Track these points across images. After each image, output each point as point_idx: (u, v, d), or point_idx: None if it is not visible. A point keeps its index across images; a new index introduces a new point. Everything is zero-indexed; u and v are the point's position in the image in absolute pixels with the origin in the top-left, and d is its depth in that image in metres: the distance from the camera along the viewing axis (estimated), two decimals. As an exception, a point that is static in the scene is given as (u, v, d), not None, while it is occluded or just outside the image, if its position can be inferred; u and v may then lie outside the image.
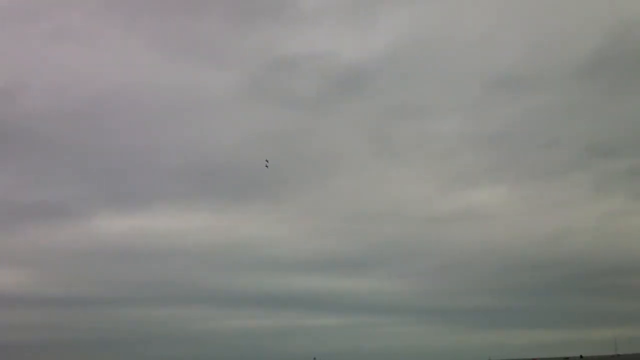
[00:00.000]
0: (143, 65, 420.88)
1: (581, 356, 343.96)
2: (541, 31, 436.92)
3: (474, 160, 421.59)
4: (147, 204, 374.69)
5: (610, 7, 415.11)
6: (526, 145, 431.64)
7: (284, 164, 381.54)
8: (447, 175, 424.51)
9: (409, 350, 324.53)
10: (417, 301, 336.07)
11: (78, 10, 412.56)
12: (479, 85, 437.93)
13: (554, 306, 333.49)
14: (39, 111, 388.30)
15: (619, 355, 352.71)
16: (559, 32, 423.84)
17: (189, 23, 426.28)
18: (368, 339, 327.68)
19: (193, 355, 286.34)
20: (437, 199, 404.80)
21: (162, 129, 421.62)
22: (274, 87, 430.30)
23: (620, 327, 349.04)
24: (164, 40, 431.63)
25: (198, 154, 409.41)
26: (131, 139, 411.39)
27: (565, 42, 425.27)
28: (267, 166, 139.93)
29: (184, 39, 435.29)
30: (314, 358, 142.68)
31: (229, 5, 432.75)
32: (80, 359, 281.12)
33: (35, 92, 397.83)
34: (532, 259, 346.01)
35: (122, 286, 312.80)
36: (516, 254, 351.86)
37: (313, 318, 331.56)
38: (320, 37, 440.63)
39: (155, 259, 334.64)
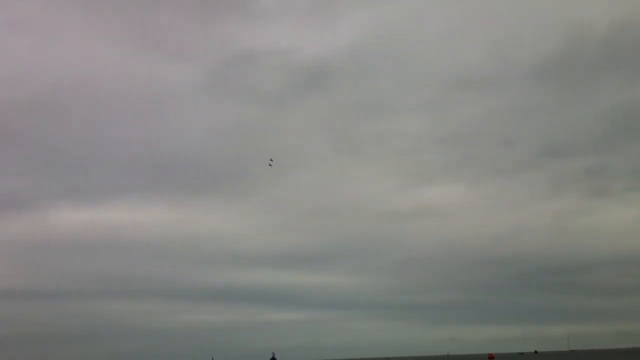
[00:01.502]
0: (102, 58, 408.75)
1: (536, 351, 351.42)
2: (500, 33, 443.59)
3: (433, 157, 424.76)
4: (104, 197, 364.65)
5: (567, 10, 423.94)
6: (484, 144, 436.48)
7: (244, 159, 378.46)
8: (406, 172, 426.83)
9: (367, 345, 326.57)
10: (376, 297, 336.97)
11: (37, 2, 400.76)
12: (439, 84, 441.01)
13: (509, 302, 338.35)
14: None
15: (572, 350, 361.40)
16: (517, 34, 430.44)
17: (150, 16, 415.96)
18: (327, 334, 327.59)
19: (151, 350, 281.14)
20: (396, 195, 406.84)
21: (121, 121, 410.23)
22: (235, 81, 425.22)
23: (573, 323, 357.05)
24: (124, 33, 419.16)
25: (157, 147, 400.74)
26: (89, 131, 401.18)
27: (523, 44, 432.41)
28: (270, 165, 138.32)
29: (145, 31, 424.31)
30: (273, 353, 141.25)
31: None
32: (33, 354, 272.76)
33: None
34: (488, 256, 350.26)
35: (78, 279, 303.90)
36: (473, 251, 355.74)
37: (272, 313, 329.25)
38: (282, 33, 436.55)
39: (113, 252, 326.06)
